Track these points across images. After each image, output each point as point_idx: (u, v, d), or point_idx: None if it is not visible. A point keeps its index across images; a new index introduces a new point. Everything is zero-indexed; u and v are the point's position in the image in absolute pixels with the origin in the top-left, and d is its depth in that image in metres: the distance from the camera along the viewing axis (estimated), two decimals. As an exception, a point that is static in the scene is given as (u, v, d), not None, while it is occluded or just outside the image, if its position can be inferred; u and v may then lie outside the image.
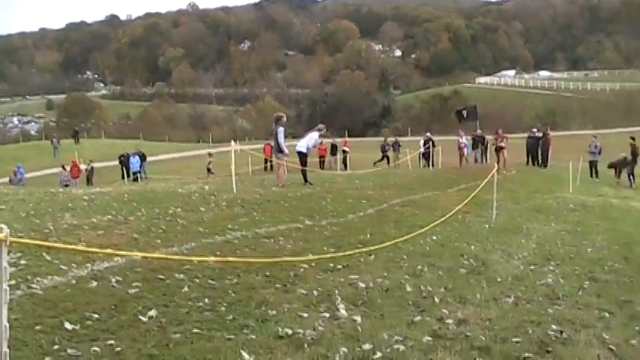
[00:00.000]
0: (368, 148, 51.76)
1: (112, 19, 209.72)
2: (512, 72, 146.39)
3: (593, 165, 30.19)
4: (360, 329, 5.80)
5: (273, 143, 20.28)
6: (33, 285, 6.31)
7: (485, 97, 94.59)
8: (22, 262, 7.07)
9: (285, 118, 19.80)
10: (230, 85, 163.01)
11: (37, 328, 5.19)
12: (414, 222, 12.33)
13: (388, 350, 5.33)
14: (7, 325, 3.80)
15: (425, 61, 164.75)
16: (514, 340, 5.83)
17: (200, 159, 51.31)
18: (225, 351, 5.02)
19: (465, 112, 42.02)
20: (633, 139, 29.37)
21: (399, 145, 40.00)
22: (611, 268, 9.59)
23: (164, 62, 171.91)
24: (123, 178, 36.49)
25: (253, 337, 5.40)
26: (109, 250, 7.32)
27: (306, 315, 6.10)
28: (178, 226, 10.32)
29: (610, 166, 29.96)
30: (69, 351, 4.79)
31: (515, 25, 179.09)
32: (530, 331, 6.10)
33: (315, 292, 6.85)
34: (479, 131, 37.21)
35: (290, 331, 5.57)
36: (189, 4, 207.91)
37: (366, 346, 5.36)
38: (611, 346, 5.91)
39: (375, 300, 6.77)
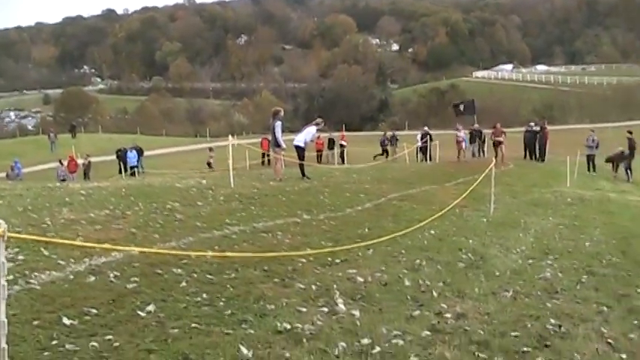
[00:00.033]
0: (365, 142, 51.75)
1: (109, 14, 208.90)
2: (509, 66, 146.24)
3: (590, 159, 30.22)
4: (358, 324, 5.80)
5: (270, 137, 20.25)
6: (31, 280, 6.29)
7: (483, 91, 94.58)
8: (20, 257, 7.05)
9: (282, 113, 19.76)
10: (227, 80, 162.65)
11: (35, 323, 5.18)
12: (412, 216, 12.34)
13: (387, 345, 5.34)
14: (6, 320, 3.79)
15: (422, 55, 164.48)
16: (513, 334, 5.84)
17: (197, 153, 51.43)
18: (224, 346, 5.01)
19: (462, 106, 42.01)
20: (631, 132, 29.39)
21: (397, 140, 39.97)
22: (609, 262, 9.60)
23: (161, 56, 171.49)
24: (120, 172, 36.48)
25: (252, 331, 5.40)
26: (106, 245, 7.31)
27: (304, 310, 6.09)
28: (176, 221, 10.30)
29: (607, 160, 29.99)
30: (67, 346, 4.78)
31: (513, 18, 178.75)
32: (529, 326, 6.11)
33: (313, 287, 6.85)
34: (476, 125, 37.21)
35: (288, 326, 5.56)
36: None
37: (365, 341, 5.36)
38: (609, 340, 5.93)
39: (374, 294, 6.77)
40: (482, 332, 5.84)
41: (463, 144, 35.37)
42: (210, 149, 38.79)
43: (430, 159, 36.32)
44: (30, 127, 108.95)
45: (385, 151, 38.96)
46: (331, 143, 41.71)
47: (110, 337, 5.02)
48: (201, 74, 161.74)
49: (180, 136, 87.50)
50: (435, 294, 6.95)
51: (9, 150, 55.51)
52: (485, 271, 8.29)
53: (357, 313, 6.09)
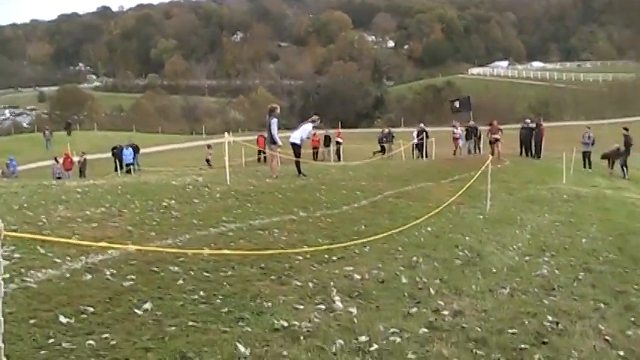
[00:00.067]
0: (361, 139, 51.76)
1: (104, 11, 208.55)
2: (505, 63, 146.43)
3: (586, 156, 30.27)
4: (356, 321, 5.80)
5: (266, 135, 20.24)
6: (27, 278, 6.28)
7: (479, 88, 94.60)
8: (16, 255, 7.03)
9: (278, 110, 19.72)
10: (223, 77, 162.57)
11: (32, 321, 5.17)
12: (408, 213, 12.33)
13: (384, 342, 5.33)
14: (2, 319, 3.77)
15: (418, 52, 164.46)
16: (510, 331, 5.84)
17: (193, 151, 51.36)
18: (221, 344, 5.01)
19: (458, 103, 42.10)
20: (627, 129, 29.44)
21: (393, 137, 39.93)
22: (606, 259, 9.61)
23: (156, 54, 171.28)
24: (116, 170, 36.40)
25: (249, 329, 5.39)
26: (103, 244, 7.30)
27: (301, 307, 6.08)
28: (172, 219, 10.28)
29: (603, 157, 30.04)
30: (64, 345, 4.77)
31: (508, 15, 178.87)
32: (527, 323, 6.11)
33: (310, 284, 6.84)
34: (472, 122, 37.24)
35: (286, 324, 5.56)
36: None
37: (363, 338, 5.36)
38: (606, 337, 5.94)
39: (371, 291, 6.76)
40: (479, 329, 5.84)
41: (460, 141, 35.36)
42: (209, 146, 38.79)
43: (426, 156, 36.30)
44: (25, 125, 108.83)
45: (383, 148, 38.92)
46: (327, 140, 41.68)
47: (107, 335, 5.01)
48: (196, 71, 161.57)
49: (176, 133, 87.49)
50: (432, 291, 6.94)
51: (4, 147, 55.29)
52: (482, 268, 8.29)
53: (354, 310, 6.09)
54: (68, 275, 6.52)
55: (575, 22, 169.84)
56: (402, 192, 15.86)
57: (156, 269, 6.91)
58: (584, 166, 29.62)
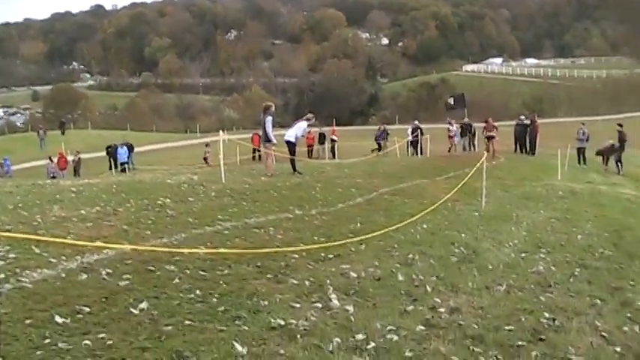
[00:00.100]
0: (356, 136, 51.73)
1: (98, 9, 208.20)
2: (499, 59, 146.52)
3: (580, 152, 30.32)
4: (352, 319, 5.80)
5: (261, 133, 20.21)
6: (22, 278, 6.25)
7: (473, 85, 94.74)
8: (11, 255, 7.01)
9: (273, 108, 19.68)
10: (217, 75, 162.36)
11: (28, 322, 5.15)
12: (403, 210, 12.33)
13: (381, 340, 5.33)
14: (-2, 319, 3.76)
15: (412, 49, 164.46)
16: (507, 328, 5.85)
17: (187, 149, 51.30)
18: (218, 342, 5.00)
19: (452, 100, 42.11)
20: (621, 125, 29.47)
21: (387, 134, 39.90)
22: (602, 255, 9.62)
23: (150, 52, 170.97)
24: (110, 169, 36.35)
25: (246, 328, 5.38)
26: (98, 243, 7.28)
27: (298, 305, 6.08)
28: (168, 217, 10.26)
29: (598, 153, 30.07)
30: (60, 345, 4.75)
31: (502, 12, 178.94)
32: (523, 319, 6.12)
33: (306, 283, 6.83)
34: (466, 119, 37.24)
35: (282, 322, 5.55)
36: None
37: (360, 336, 5.36)
38: (603, 333, 5.95)
39: (367, 289, 6.76)
40: (476, 326, 5.84)
41: (455, 138, 35.35)
42: (207, 144, 38.75)
43: (421, 153, 36.30)
44: (19, 124, 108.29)
45: (380, 145, 38.89)
46: (322, 138, 41.63)
47: (103, 335, 4.99)
48: (190, 70, 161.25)
49: (170, 132, 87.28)
50: (428, 288, 6.94)
51: (-2, 147, 55.21)
52: (478, 265, 8.29)
53: (350, 308, 6.09)
54: (64, 275, 6.50)
55: (569, 19, 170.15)
56: (397, 189, 15.85)
57: (152, 268, 6.90)
58: (579, 163, 29.66)
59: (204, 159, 36.42)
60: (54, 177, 32.66)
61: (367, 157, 30.27)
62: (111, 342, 4.87)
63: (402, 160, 30.68)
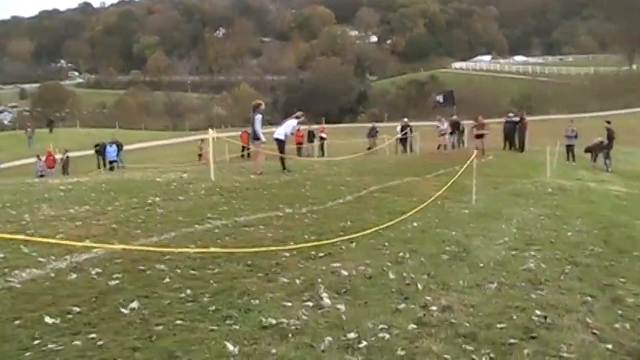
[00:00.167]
0: (345, 134, 51.78)
1: (86, 7, 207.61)
2: (487, 57, 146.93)
3: (569, 149, 30.43)
4: (344, 318, 5.77)
5: (250, 131, 20.21)
6: (11, 279, 6.22)
7: (462, 82, 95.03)
8: (-1, 255, 6.97)
9: (263, 106, 19.70)
10: (205, 73, 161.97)
11: (17, 322, 5.12)
12: (393, 208, 12.31)
13: (373, 339, 5.31)
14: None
15: (401, 46, 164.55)
16: (499, 326, 5.83)
17: (177, 147, 51.21)
18: (209, 342, 4.97)
19: (441, 98, 42.20)
20: (609, 122, 29.61)
21: (377, 132, 39.92)
22: (592, 252, 9.62)
23: (139, 50, 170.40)
24: (99, 167, 36.26)
25: (237, 327, 5.35)
26: (87, 243, 7.24)
27: (289, 304, 6.05)
28: (157, 216, 10.23)
29: (586, 150, 30.22)
30: (50, 346, 4.72)
31: (491, 9, 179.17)
32: (515, 317, 6.10)
33: (297, 281, 6.80)
34: (454, 117, 37.30)
35: (274, 321, 5.52)
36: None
37: (351, 335, 5.33)
38: (595, 331, 5.93)
39: (359, 288, 6.73)
40: (468, 324, 5.82)
41: (446, 136, 35.32)
42: (202, 140, 38.70)
43: (410, 150, 36.35)
44: (6, 122, 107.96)
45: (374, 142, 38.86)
46: (311, 136, 41.62)
47: (94, 335, 4.96)
48: (179, 67, 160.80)
49: (159, 129, 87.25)
50: (419, 287, 6.92)
51: (-14, 146, 54.99)
52: (469, 263, 8.28)
53: (342, 307, 6.06)
54: (53, 275, 6.46)
55: (557, 16, 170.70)
56: (387, 187, 15.85)
57: (142, 267, 6.87)
58: (568, 160, 29.77)
59: (199, 155, 36.35)
60: (42, 175, 32.54)
61: (356, 155, 30.25)
62: (101, 342, 4.84)
63: (392, 158, 30.75)
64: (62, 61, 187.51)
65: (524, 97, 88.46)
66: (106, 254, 7.25)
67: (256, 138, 18.86)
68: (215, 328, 5.30)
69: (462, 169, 14.47)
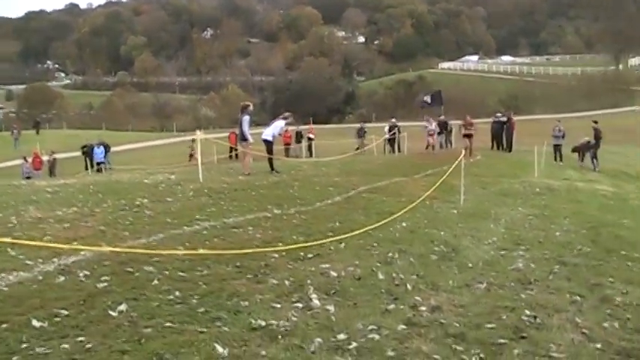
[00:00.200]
0: (333, 134, 51.77)
1: (72, 8, 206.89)
2: (475, 57, 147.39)
3: (557, 149, 30.49)
4: (334, 319, 5.76)
5: (237, 132, 20.19)
6: (-2, 281, 6.17)
7: (449, 83, 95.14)
8: (-14, 258, 6.92)
9: (251, 107, 19.73)
10: (193, 74, 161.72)
11: (4, 326, 5.08)
12: (382, 208, 12.31)
13: (363, 340, 5.30)
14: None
15: (388, 46, 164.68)
16: (488, 326, 5.84)
17: (164, 148, 51.07)
18: (199, 344, 4.94)
19: (429, 98, 42.24)
20: (596, 122, 29.74)
21: (365, 132, 39.93)
22: (580, 252, 9.66)
23: (126, 51, 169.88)
24: (86, 169, 36.09)
25: (226, 329, 5.33)
26: (75, 245, 7.20)
27: (278, 305, 6.04)
28: (146, 218, 10.20)
29: (574, 150, 30.32)
30: (37, 349, 4.68)
31: (478, 10, 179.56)
32: (504, 317, 6.11)
33: (286, 282, 6.79)
34: (442, 117, 37.36)
35: (263, 323, 5.51)
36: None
37: (341, 336, 5.32)
38: (584, 330, 5.95)
39: (348, 289, 6.72)
40: (457, 325, 5.83)
41: (435, 136, 35.30)
42: (193, 141, 38.62)
43: (399, 151, 36.37)
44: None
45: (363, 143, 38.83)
46: (299, 136, 41.58)
47: (82, 338, 4.92)
48: (166, 68, 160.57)
49: (147, 131, 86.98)
50: (409, 287, 6.93)
51: (-28, 147, 54.67)
52: (458, 263, 8.29)
53: (331, 308, 6.05)
54: (40, 278, 6.42)
55: (544, 17, 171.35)
56: (375, 187, 15.84)
57: (130, 270, 6.84)
58: (555, 159, 29.84)
59: (190, 155, 36.23)
60: (29, 177, 32.36)
61: (345, 156, 30.24)
62: (90, 345, 4.80)
63: (380, 158, 30.77)
64: (49, 62, 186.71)
65: (512, 97, 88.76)
66: (94, 256, 7.21)
67: (244, 139, 18.85)
68: (204, 330, 5.27)
69: (450, 169, 14.49)
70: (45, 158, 39.04)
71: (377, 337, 5.37)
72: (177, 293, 6.16)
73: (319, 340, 5.20)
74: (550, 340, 5.58)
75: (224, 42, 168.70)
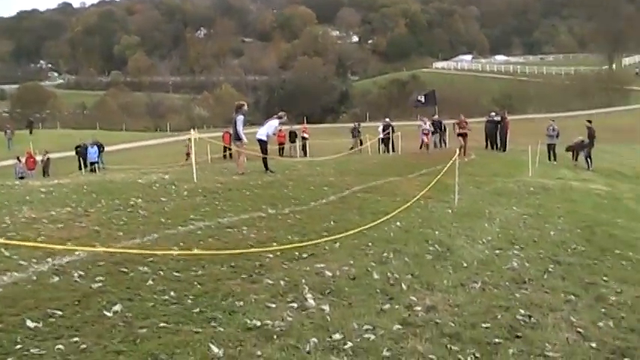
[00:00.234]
0: (327, 134, 51.79)
1: (65, 7, 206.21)
2: (468, 56, 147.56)
3: (551, 148, 30.53)
4: (329, 319, 5.75)
5: (232, 131, 20.19)
6: (-8, 282, 6.15)
7: (443, 82, 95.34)
8: (-20, 258, 6.90)
9: (246, 107, 19.69)
10: (187, 73, 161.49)
11: (-2, 327, 5.05)
12: (377, 208, 12.30)
13: (358, 340, 5.30)
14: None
15: (382, 46, 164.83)
16: (484, 325, 5.84)
17: (158, 148, 51.00)
18: (194, 345, 4.93)
19: (423, 98, 42.28)
20: (590, 121, 29.80)
21: (359, 132, 39.98)
22: (575, 251, 9.68)
23: (119, 50, 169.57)
24: (80, 168, 36.05)
25: (221, 329, 5.32)
26: (70, 245, 7.18)
27: (273, 305, 6.02)
28: (140, 217, 10.17)
29: (568, 149, 30.38)
30: (32, 350, 4.65)
31: (471, 9, 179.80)
32: (499, 316, 6.12)
33: (281, 282, 6.77)
34: (436, 116, 37.39)
35: (258, 323, 5.49)
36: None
37: (336, 336, 5.31)
38: (579, 329, 5.97)
39: (343, 289, 6.71)
40: (453, 324, 5.83)
41: (430, 135, 35.30)
42: (189, 140, 38.64)
43: (393, 150, 36.41)
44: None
45: (361, 142, 38.87)
46: (293, 136, 41.61)
47: (77, 339, 4.90)
48: (160, 68, 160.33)
49: (140, 130, 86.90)
50: (404, 287, 6.92)
51: (-36, 147, 54.52)
52: (452, 263, 8.29)
53: (326, 308, 6.04)
54: (35, 278, 6.39)
55: (537, 16, 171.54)
56: (370, 187, 15.84)
57: (125, 270, 6.81)
58: (549, 159, 29.88)
59: (187, 154, 36.22)
60: (22, 177, 32.33)
61: (339, 155, 30.25)
62: (84, 346, 4.78)
63: (374, 158, 30.78)
64: (42, 62, 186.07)
65: (505, 96, 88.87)
66: (88, 257, 7.18)
67: (238, 139, 18.84)
68: (199, 330, 5.26)
69: (444, 169, 14.49)
70: (38, 158, 39.00)
71: (372, 336, 5.37)
72: (172, 293, 6.14)
73: (314, 340, 5.19)
74: (545, 340, 5.59)
75: (217, 41, 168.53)
